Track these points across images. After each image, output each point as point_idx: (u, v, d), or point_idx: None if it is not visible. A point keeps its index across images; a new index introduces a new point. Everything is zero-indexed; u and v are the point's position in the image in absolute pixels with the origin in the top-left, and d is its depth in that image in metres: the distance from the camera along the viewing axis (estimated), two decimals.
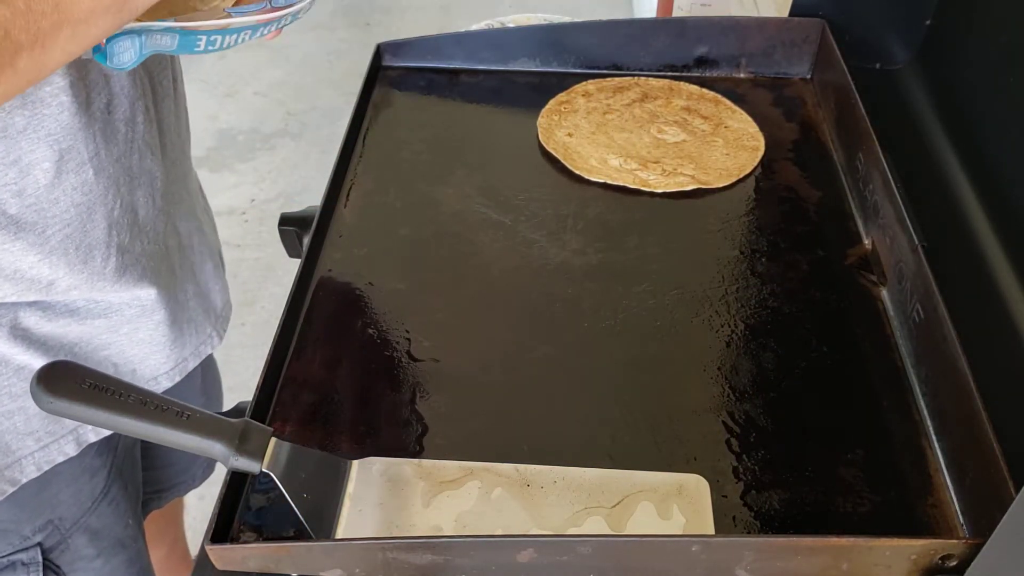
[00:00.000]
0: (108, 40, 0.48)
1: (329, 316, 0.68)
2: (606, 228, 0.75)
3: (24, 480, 0.65)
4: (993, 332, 0.66)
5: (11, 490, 0.65)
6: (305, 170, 2.24)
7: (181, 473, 0.98)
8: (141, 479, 0.83)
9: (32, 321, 0.61)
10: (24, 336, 0.61)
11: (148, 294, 0.67)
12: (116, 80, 0.60)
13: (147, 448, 0.84)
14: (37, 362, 0.62)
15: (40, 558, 0.70)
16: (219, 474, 0.54)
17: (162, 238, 0.69)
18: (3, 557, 0.68)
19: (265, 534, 0.54)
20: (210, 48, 0.53)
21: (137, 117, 0.63)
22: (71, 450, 0.67)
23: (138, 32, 0.49)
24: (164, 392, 0.71)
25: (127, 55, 0.50)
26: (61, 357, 0.64)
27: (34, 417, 0.64)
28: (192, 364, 0.75)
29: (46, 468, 0.66)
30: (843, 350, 0.65)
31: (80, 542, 0.73)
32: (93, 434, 0.69)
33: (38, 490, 0.67)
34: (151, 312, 0.68)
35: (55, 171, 0.56)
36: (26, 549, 0.69)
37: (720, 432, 0.60)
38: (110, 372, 0.67)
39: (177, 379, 0.74)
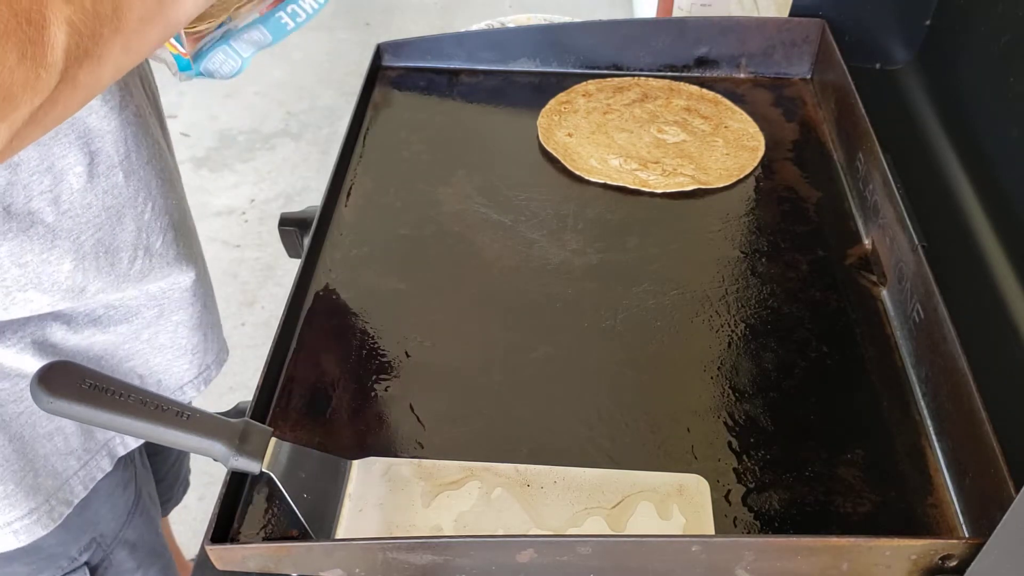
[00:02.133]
0: (199, 58, 0.48)
1: (329, 316, 0.68)
2: (606, 228, 0.75)
3: (76, 500, 0.65)
4: (993, 332, 0.66)
5: (68, 511, 0.64)
6: (305, 170, 2.24)
7: (182, 483, 0.99)
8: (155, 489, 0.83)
9: (59, 336, 0.61)
10: (53, 351, 0.61)
11: (178, 293, 0.67)
12: (134, 84, 0.60)
13: (150, 460, 0.84)
14: None
15: None
16: (219, 474, 0.54)
17: (190, 239, 0.69)
18: None
19: (265, 534, 0.54)
20: (297, 21, 0.53)
21: (161, 120, 0.63)
22: (107, 465, 0.67)
23: (224, 39, 0.50)
24: None
25: (228, 64, 0.51)
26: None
27: (71, 436, 0.63)
28: (215, 373, 0.75)
29: (91, 486, 0.66)
30: (843, 350, 0.65)
31: (121, 556, 0.73)
32: (121, 447, 0.69)
33: (80, 510, 0.66)
34: (171, 313, 0.68)
35: (87, 175, 0.56)
36: (74, 571, 0.69)
37: (720, 432, 0.60)
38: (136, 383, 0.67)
39: (202, 388, 0.74)
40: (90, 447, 0.65)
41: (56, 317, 0.60)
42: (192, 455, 0.90)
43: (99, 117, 0.55)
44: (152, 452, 0.83)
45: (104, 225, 0.58)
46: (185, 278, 0.67)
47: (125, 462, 0.71)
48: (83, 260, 0.58)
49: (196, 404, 0.53)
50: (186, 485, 1.01)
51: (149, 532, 0.77)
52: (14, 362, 0.59)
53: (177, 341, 0.69)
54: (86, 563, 0.69)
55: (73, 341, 0.62)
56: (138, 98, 0.60)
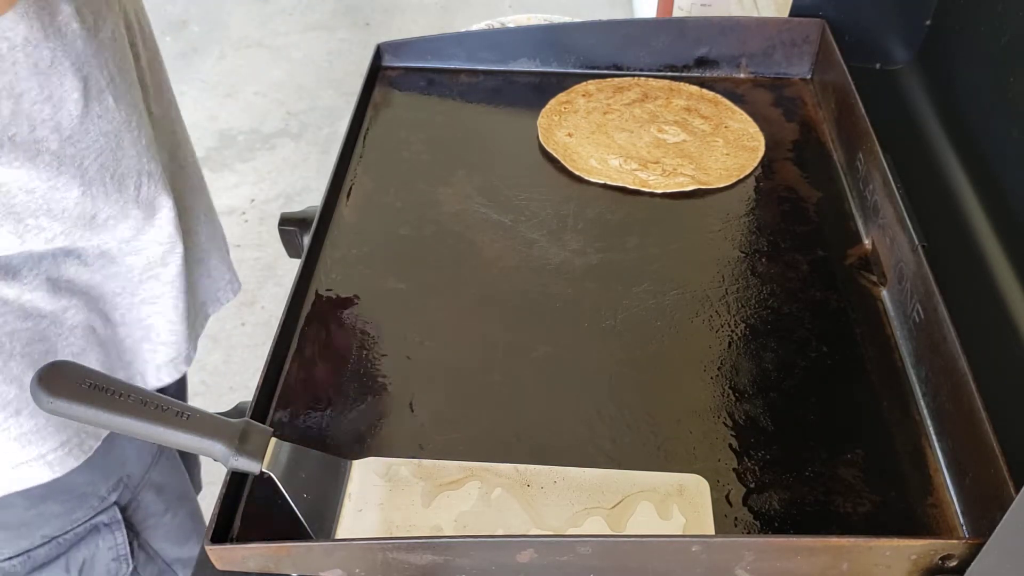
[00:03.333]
0: None
1: (329, 316, 0.68)
2: (606, 228, 0.76)
3: (104, 433, 0.67)
4: (993, 332, 0.66)
5: (97, 444, 0.66)
6: (305, 170, 2.24)
7: (195, 466, 0.99)
8: None
9: (73, 271, 0.63)
10: (68, 288, 0.62)
11: (174, 226, 0.67)
12: (108, 9, 0.61)
13: None
14: (85, 317, 0.64)
15: (119, 516, 0.72)
16: (219, 474, 0.54)
17: (183, 168, 0.70)
18: (86, 522, 0.70)
19: (265, 534, 0.54)
20: None
21: (138, 44, 0.64)
22: None
23: None
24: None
25: None
26: (104, 311, 0.65)
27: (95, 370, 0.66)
28: (212, 310, 0.78)
29: None
30: (843, 350, 0.65)
31: (149, 498, 0.75)
32: (142, 382, 0.70)
33: (107, 450, 0.68)
34: (176, 246, 0.68)
35: (83, 101, 0.57)
36: (105, 510, 0.71)
37: (720, 432, 0.60)
38: (156, 327, 0.69)
39: (200, 331, 0.76)
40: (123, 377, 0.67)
41: (69, 253, 0.62)
42: None
43: (83, 41, 0.57)
44: None
45: (105, 150, 0.60)
46: (179, 211, 0.68)
47: None
48: (90, 186, 0.59)
49: (196, 404, 0.53)
50: (199, 486, 1.01)
51: (175, 476, 0.78)
52: (32, 300, 0.60)
53: (179, 282, 0.70)
54: (116, 503, 0.71)
55: (86, 277, 0.64)
56: (112, 23, 0.60)
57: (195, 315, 0.74)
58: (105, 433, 0.67)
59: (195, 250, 0.73)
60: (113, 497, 0.71)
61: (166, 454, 0.76)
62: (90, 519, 0.70)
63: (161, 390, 0.80)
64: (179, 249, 0.68)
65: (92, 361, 0.65)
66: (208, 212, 0.78)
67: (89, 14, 0.57)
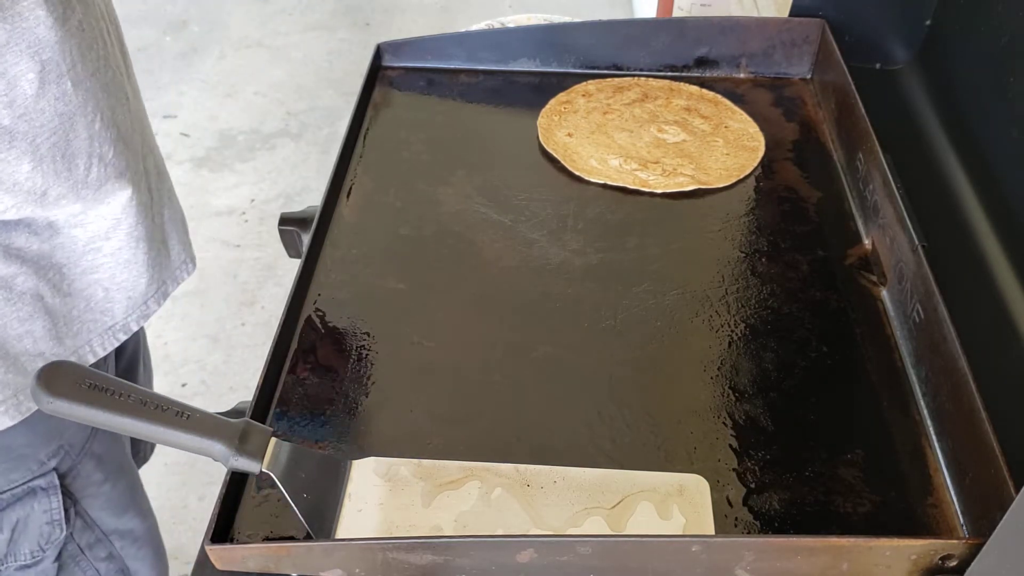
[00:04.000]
0: None
1: (329, 316, 0.68)
2: (606, 228, 0.76)
3: None
4: (993, 332, 0.66)
5: (35, 407, 0.66)
6: (305, 170, 2.24)
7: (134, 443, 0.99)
8: None
9: (23, 240, 0.64)
10: (19, 256, 0.64)
11: (128, 206, 0.69)
12: (79, 1, 0.63)
13: None
14: (34, 283, 0.65)
15: (57, 482, 0.72)
16: (219, 474, 0.54)
17: (140, 157, 0.72)
18: (23, 484, 0.70)
19: (265, 534, 0.54)
20: None
21: (106, 37, 0.66)
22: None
23: None
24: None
25: None
26: (52, 280, 0.66)
27: (40, 339, 0.66)
28: (171, 288, 0.78)
29: None
30: (843, 350, 0.65)
31: (88, 467, 0.75)
32: (91, 355, 0.71)
33: (47, 415, 0.68)
34: (132, 227, 0.70)
35: (39, 82, 0.59)
36: (43, 475, 0.71)
37: (720, 432, 0.60)
38: (100, 298, 0.70)
39: (162, 302, 0.77)
40: (58, 352, 0.68)
41: (19, 222, 0.63)
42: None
43: (46, 28, 0.59)
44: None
45: (58, 130, 0.62)
46: (130, 192, 0.69)
47: None
48: (41, 162, 0.61)
49: (196, 404, 0.53)
50: (146, 455, 1.02)
51: (115, 448, 0.79)
52: None
53: (139, 256, 0.72)
54: (55, 469, 0.72)
55: (36, 246, 0.65)
56: (81, 13, 0.63)
57: (151, 290, 0.75)
58: None
59: (156, 231, 0.75)
60: (52, 463, 0.72)
61: None
62: (27, 481, 0.71)
63: (118, 356, 0.83)
64: (124, 226, 0.70)
65: (39, 328, 0.66)
66: (170, 195, 0.80)
67: (59, 4, 0.60)
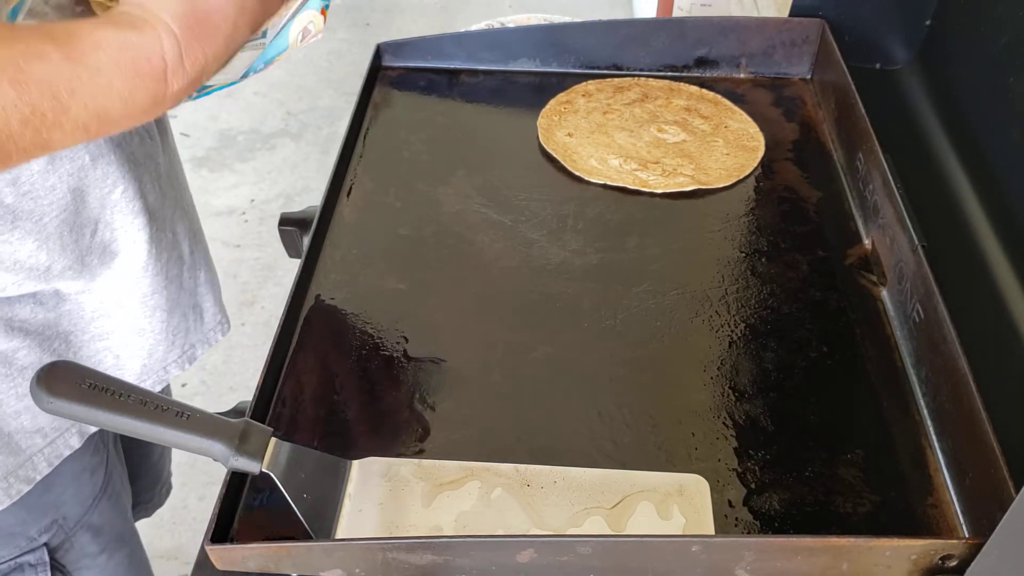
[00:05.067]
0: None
1: (329, 316, 0.68)
2: (606, 228, 0.75)
3: (38, 477, 0.65)
4: (993, 332, 0.66)
5: (27, 488, 0.64)
6: (305, 170, 2.24)
7: (164, 485, 0.98)
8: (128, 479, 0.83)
9: (27, 312, 0.61)
10: (22, 328, 0.61)
11: (143, 274, 0.66)
12: None
13: (130, 455, 0.84)
14: (37, 356, 0.62)
15: (47, 558, 0.70)
16: (219, 474, 0.54)
17: (169, 223, 0.68)
18: (10, 560, 0.68)
19: (265, 534, 0.54)
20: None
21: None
22: (75, 442, 0.67)
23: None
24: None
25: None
26: (56, 349, 0.64)
27: (40, 414, 0.64)
28: (200, 351, 0.75)
29: (56, 463, 0.66)
30: (843, 350, 0.65)
31: (84, 540, 0.73)
32: (91, 425, 0.68)
33: (43, 491, 0.66)
34: (147, 295, 0.67)
35: (48, 158, 0.56)
36: (33, 551, 0.69)
37: (720, 432, 0.60)
38: (109, 364, 0.67)
39: (187, 366, 0.74)
40: (59, 426, 0.65)
41: (22, 297, 0.60)
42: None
43: None
44: (129, 447, 0.82)
45: (69, 206, 0.59)
46: (152, 257, 0.66)
47: (96, 447, 0.71)
48: (47, 240, 0.58)
49: (196, 404, 0.53)
50: (168, 488, 1.00)
51: (117, 517, 0.76)
52: None
53: (154, 324, 0.69)
54: (45, 544, 0.70)
55: (40, 315, 0.62)
56: None
57: (172, 355, 0.72)
58: (39, 477, 0.65)
59: (186, 296, 0.72)
60: (44, 538, 0.69)
61: (108, 494, 0.74)
62: (15, 558, 0.68)
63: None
64: (137, 294, 0.67)
65: None
66: (205, 256, 0.77)
67: None
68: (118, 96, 0.46)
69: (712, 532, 0.53)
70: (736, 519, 0.55)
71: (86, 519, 0.72)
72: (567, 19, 1.12)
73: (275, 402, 0.62)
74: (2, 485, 0.63)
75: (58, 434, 0.66)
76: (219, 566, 0.51)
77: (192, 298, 0.73)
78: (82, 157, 0.58)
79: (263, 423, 0.58)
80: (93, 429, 0.69)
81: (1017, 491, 0.43)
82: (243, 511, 0.55)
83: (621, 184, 0.79)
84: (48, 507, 0.68)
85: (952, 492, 0.56)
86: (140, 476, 0.91)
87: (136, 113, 0.48)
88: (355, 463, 0.56)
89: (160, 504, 0.99)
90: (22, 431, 0.63)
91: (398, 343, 0.66)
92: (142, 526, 1.00)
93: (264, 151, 2.30)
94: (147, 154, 0.65)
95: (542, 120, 0.87)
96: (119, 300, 0.66)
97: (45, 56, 0.43)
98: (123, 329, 0.67)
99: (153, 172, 0.66)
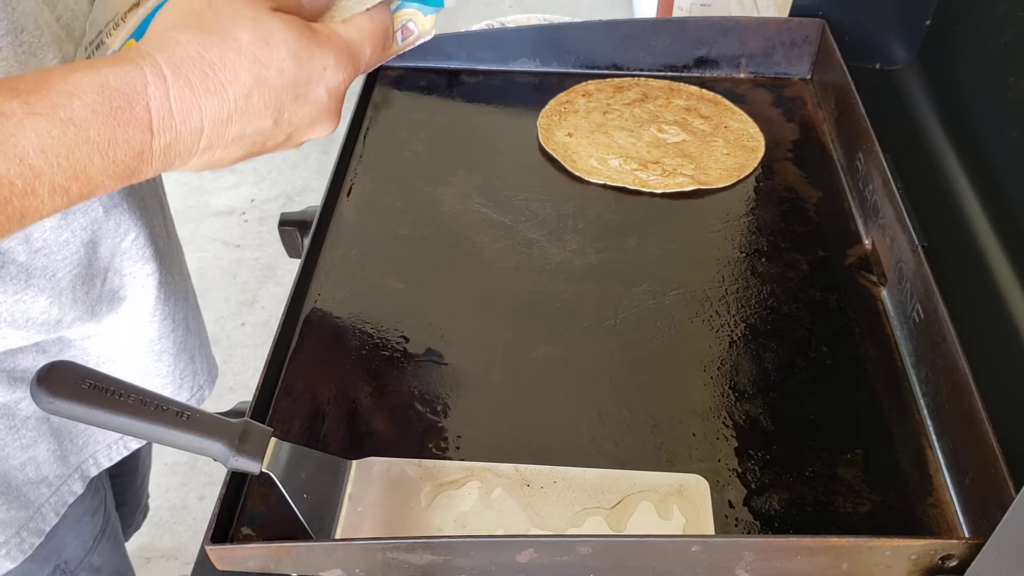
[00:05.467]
0: None
1: (329, 316, 0.68)
2: (606, 228, 0.75)
3: (47, 528, 0.63)
4: (993, 332, 0.66)
5: (39, 541, 0.63)
6: (305, 170, 2.24)
7: (142, 510, 0.97)
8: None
9: (29, 361, 0.59)
10: (24, 378, 0.59)
11: (150, 319, 0.64)
12: None
13: (113, 481, 0.83)
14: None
15: None
16: (219, 474, 0.54)
17: (177, 265, 0.67)
18: None
19: (265, 534, 0.54)
20: None
21: None
22: (79, 488, 0.66)
23: None
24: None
25: None
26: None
27: (43, 464, 0.62)
28: (208, 391, 0.74)
29: (63, 511, 0.65)
30: (843, 350, 0.65)
31: None
32: (94, 467, 0.67)
33: (47, 539, 0.65)
34: (154, 340, 0.66)
35: (61, 213, 0.52)
36: None
37: (720, 432, 0.60)
38: None
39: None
40: (62, 472, 0.64)
41: (26, 346, 0.58)
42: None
43: None
44: (114, 474, 0.81)
45: (83, 260, 0.56)
46: (160, 302, 0.64)
47: (96, 487, 0.70)
48: (60, 295, 0.56)
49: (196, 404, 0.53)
50: (146, 511, 1.00)
51: (115, 556, 0.75)
52: None
53: (161, 368, 0.68)
54: None
55: (44, 362, 0.59)
56: None
57: (182, 397, 0.70)
58: (48, 528, 0.63)
59: (196, 336, 0.70)
60: None
61: (107, 534, 0.73)
62: None
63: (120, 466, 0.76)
64: (144, 339, 0.65)
65: (43, 452, 0.61)
66: (195, 308, 0.74)
67: None
68: (96, 148, 0.39)
69: (712, 532, 0.53)
70: (736, 519, 0.55)
71: (87, 560, 0.71)
72: (567, 19, 1.12)
73: (275, 402, 0.62)
74: (15, 541, 0.61)
75: (61, 482, 0.64)
76: (219, 566, 0.51)
77: (197, 339, 0.72)
78: (96, 210, 0.55)
79: (263, 423, 0.58)
80: (94, 472, 0.67)
81: (1017, 491, 0.43)
82: (243, 511, 0.55)
83: (621, 184, 0.79)
84: (52, 554, 0.66)
85: (952, 492, 0.56)
86: (124, 503, 0.90)
87: (120, 171, 0.41)
88: (355, 463, 0.56)
89: (138, 527, 0.99)
90: (28, 483, 0.61)
91: (398, 343, 0.66)
92: (143, 525, 1.00)
93: None
94: (154, 195, 0.64)
95: (542, 120, 0.87)
96: (126, 346, 0.64)
97: (6, 115, 0.37)
98: (130, 374, 0.65)
99: (160, 215, 0.64)
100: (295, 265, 0.71)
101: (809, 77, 0.92)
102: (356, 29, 0.49)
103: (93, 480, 0.69)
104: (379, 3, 0.50)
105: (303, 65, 0.45)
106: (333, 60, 0.47)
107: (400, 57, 0.93)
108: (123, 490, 0.89)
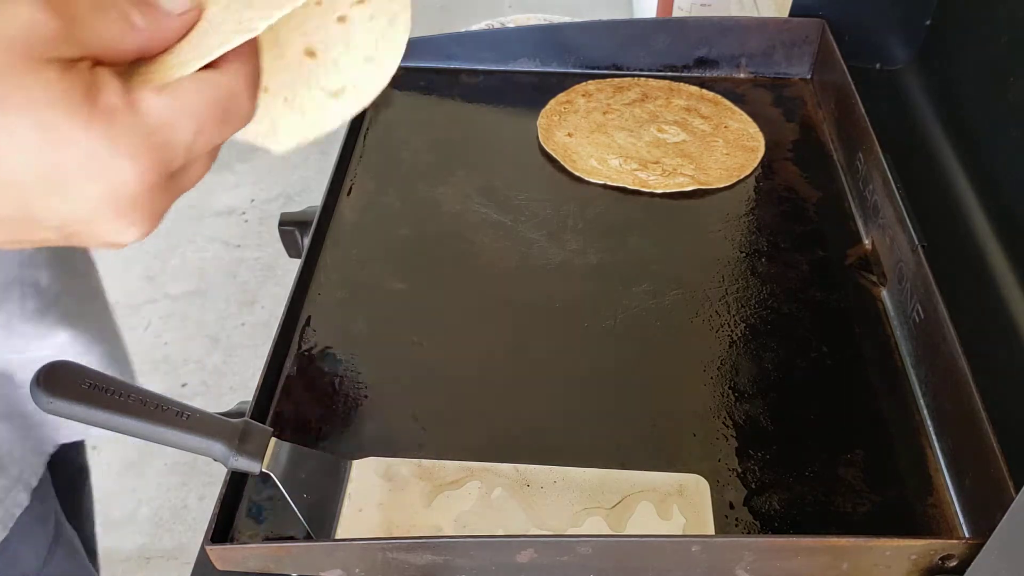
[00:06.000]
0: None
1: (329, 316, 0.68)
2: (606, 228, 0.75)
3: None
4: (993, 332, 0.66)
5: None
6: (305, 170, 2.24)
7: (89, 539, 0.96)
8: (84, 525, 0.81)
9: None
10: None
11: (81, 341, 0.63)
12: None
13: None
14: None
15: None
16: (219, 474, 0.54)
17: (96, 282, 0.66)
18: None
19: (265, 534, 0.54)
20: None
21: None
22: (24, 499, 0.64)
23: None
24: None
25: None
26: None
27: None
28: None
29: (11, 524, 0.63)
30: (843, 350, 0.65)
31: None
32: (33, 477, 0.66)
33: (0, 554, 0.63)
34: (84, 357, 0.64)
35: None
36: None
37: (720, 432, 0.60)
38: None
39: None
40: (5, 485, 0.62)
41: None
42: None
43: None
44: (60, 486, 0.78)
45: None
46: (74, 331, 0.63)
47: (43, 495, 0.68)
48: None
49: (196, 404, 0.53)
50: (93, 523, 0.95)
51: (73, 564, 0.74)
52: None
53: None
54: None
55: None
56: None
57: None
58: None
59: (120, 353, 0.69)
60: None
61: (62, 541, 0.71)
62: None
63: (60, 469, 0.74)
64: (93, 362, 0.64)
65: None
66: (115, 336, 0.70)
67: None
68: None
69: (712, 532, 0.53)
70: (736, 519, 0.55)
71: (45, 572, 0.69)
72: (567, 19, 1.12)
73: (275, 402, 0.62)
74: None
75: (5, 493, 0.63)
76: (219, 566, 0.51)
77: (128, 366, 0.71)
78: None
79: (263, 423, 0.58)
80: (36, 481, 0.66)
81: (1017, 491, 0.43)
82: (243, 511, 0.55)
83: (621, 184, 0.79)
84: (6, 568, 0.65)
85: (952, 492, 0.56)
86: (73, 516, 0.89)
87: None
88: (355, 463, 0.56)
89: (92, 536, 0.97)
90: None
91: (398, 343, 0.66)
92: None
93: (264, 151, 2.30)
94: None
95: (542, 120, 0.87)
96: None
97: None
98: None
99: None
100: (295, 265, 0.71)
101: (809, 77, 0.92)
102: (169, 102, 0.33)
103: (41, 489, 0.67)
104: (232, 50, 0.33)
105: (60, 150, 0.32)
106: (114, 149, 0.32)
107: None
108: (68, 499, 0.87)
